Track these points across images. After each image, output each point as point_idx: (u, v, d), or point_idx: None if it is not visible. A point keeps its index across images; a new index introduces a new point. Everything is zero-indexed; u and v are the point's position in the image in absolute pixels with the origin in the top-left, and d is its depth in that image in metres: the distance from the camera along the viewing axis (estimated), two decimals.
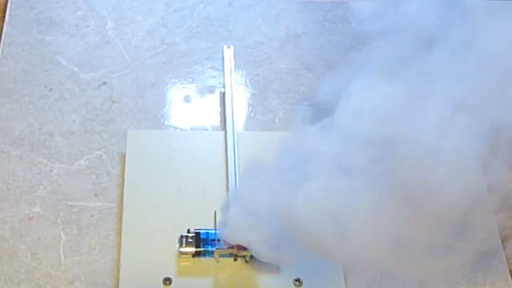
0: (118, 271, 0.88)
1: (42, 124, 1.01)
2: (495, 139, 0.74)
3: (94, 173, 0.97)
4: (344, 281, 0.89)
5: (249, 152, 0.95)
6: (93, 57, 1.08)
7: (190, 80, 1.08)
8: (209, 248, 0.88)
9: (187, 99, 1.06)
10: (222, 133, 1.00)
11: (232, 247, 0.86)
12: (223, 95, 1.04)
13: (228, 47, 1.05)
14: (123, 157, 0.97)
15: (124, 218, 0.91)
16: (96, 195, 0.95)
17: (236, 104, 1.01)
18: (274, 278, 0.88)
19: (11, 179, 0.95)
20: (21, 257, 0.89)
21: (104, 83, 1.06)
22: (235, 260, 0.88)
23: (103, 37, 1.11)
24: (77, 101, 1.04)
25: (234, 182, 0.93)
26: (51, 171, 0.97)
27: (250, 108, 1.05)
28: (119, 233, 0.91)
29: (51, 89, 1.04)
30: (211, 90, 1.07)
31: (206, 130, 1.02)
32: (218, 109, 1.04)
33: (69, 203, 0.94)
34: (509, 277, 0.92)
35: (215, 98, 1.06)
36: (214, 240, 0.87)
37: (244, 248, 0.87)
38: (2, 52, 1.07)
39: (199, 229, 0.88)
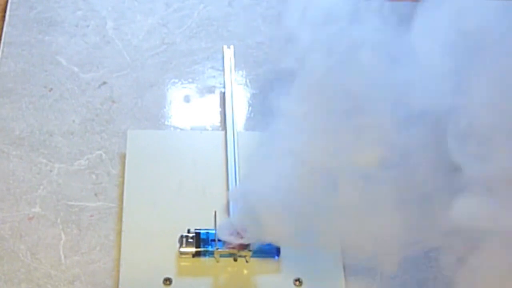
0: (118, 271, 0.88)
1: (42, 124, 1.01)
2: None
3: (94, 173, 0.97)
4: (344, 281, 0.89)
5: (249, 152, 0.95)
6: (93, 57, 1.08)
7: (190, 80, 1.08)
8: (209, 248, 0.88)
9: (187, 99, 1.06)
10: (222, 133, 1.00)
11: (233, 247, 0.87)
12: (223, 95, 1.04)
13: (228, 47, 1.05)
14: (123, 157, 0.97)
15: (124, 218, 0.91)
16: (96, 195, 0.95)
17: (236, 104, 1.01)
18: (274, 278, 0.88)
19: (11, 179, 0.95)
20: (21, 257, 0.89)
21: (104, 83, 1.06)
22: (235, 260, 0.88)
23: (103, 37, 1.11)
24: (77, 101, 1.04)
25: (234, 182, 0.93)
26: (51, 171, 0.97)
27: (250, 108, 1.05)
28: (119, 233, 0.91)
29: (51, 89, 1.05)
30: (211, 90, 1.07)
31: (206, 130, 1.02)
32: (218, 109, 1.04)
33: (69, 203, 0.94)
34: None
35: (215, 98, 1.06)
36: (214, 240, 0.87)
37: (244, 248, 0.87)
38: (2, 52, 1.07)
39: (199, 229, 0.88)
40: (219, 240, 0.87)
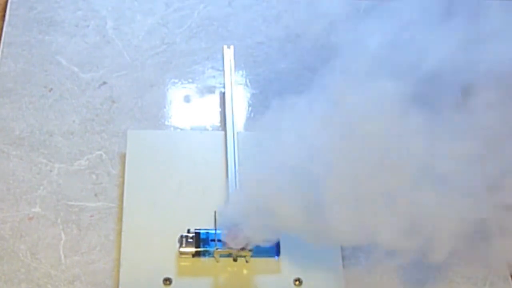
0: (118, 271, 0.88)
1: (42, 124, 1.01)
2: None
3: (94, 173, 0.97)
4: (344, 281, 0.89)
5: (249, 152, 0.95)
6: (93, 57, 1.08)
7: (190, 80, 1.08)
8: (209, 248, 0.88)
9: (187, 99, 1.06)
10: (222, 133, 1.00)
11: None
12: (223, 95, 1.04)
13: (228, 47, 1.05)
14: (123, 157, 0.97)
15: (124, 218, 0.91)
16: (96, 195, 0.95)
17: (236, 104, 1.01)
18: (274, 278, 0.88)
19: (11, 179, 0.96)
20: (21, 257, 0.89)
21: (104, 83, 1.06)
22: (235, 260, 0.88)
23: (103, 37, 1.11)
24: (77, 101, 1.04)
25: (234, 182, 0.93)
26: (51, 171, 0.97)
27: (250, 108, 1.05)
28: (119, 233, 0.91)
29: (51, 89, 1.05)
30: (211, 90, 1.07)
31: (206, 130, 1.02)
32: (218, 109, 1.04)
33: (69, 203, 0.94)
34: (509, 277, 0.92)
35: (215, 98, 1.06)
36: (214, 240, 0.87)
37: (244, 248, 0.87)
38: (2, 52, 1.07)
39: (199, 229, 0.88)
40: (219, 240, 0.87)
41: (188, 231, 0.89)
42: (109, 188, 0.96)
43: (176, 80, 1.07)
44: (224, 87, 1.03)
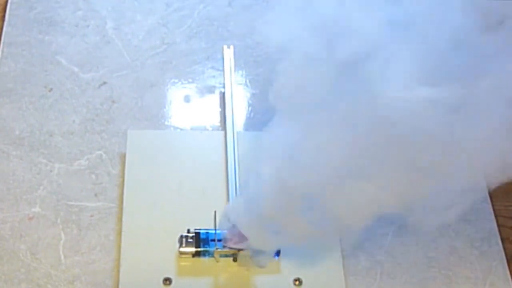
0: (118, 271, 0.88)
1: (42, 124, 1.01)
2: None
3: (94, 173, 0.97)
4: (344, 281, 0.89)
5: (249, 152, 0.95)
6: (93, 57, 1.08)
7: (190, 80, 1.08)
8: (209, 248, 0.88)
9: (187, 99, 1.06)
10: (222, 133, 1.00)
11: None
12: (223, 95, 1.04)
13: (228, 47, 1.05)
14: (123, 157, 0.97)
15: (124, 218, 0.91)
16: (96, 195, 0.95)
17: (236, 104, 1.01)
18: (274, 278, 0.88)
19: (11, 179, 0.96)
20: (21, 257, 0.89)
21: (104, 83, 1.06)
22: (235, 260, 0.88)
23: (103, 37, 1.11)
24: (77, 101, 1.04)
25: (234, 182, 0.93)
26: (51, 171, 0.97)
27: (250, 108, 1.05)
28: (119, 233, 0.91)
29: (51, 89, 1.05)
30: (211, 90, 1.07)
31: (206, 130, 1.02)
32: (218, 109, 1.04)
33: (69, 203, 0.94)
34: (509, 277, 0.92)
35: (215, 98, 1.06)
36: (214, 240, 0.87)
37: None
38: (2, 52, 1.07)
39: (199, 229, 0.88)
40: (219, 240, 0.87)
41: (188, 231, 0.89)
42: (109, 188, 0.96)
43: (176, 80, 1.07)
44: (224, 87, 1.03)
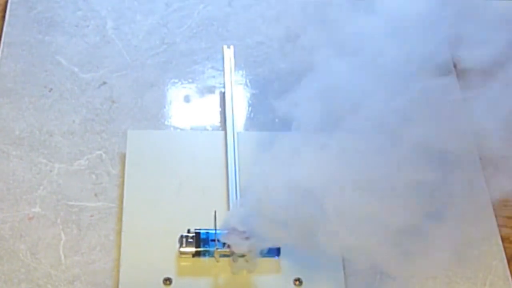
0: (118, 271, 0.88)
1: (42, 124, 1.01)
2: None
3: (94, 173, 0.97)
4: (344, 281, 0.89)
5: (249, 152, 0.96)
6: (93, 57, 1.08)
7: (190, 80, 1.08)
8: (209, 248, 0.88)
9: (187, 99, 1.06)
10: (222, 133, 1.00)
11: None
12: (223, 95, 1.04)
13: (228, 47, 1.05)
14: (123, 157, 0.97)
15: (124, 218, 0.91)
16: (96, 195, 0.95)
17: (236, 104, 1.01)
18: (274, 278, 0.88)
19: (11, 179, 0.95)
20: (21, 257, 0.89)
21: (104, 83, 1.06)
22: (235, 261, 0.88)
23: (103, 37, 1.11)
24: (77, 101, 1.04)
25: (234, 182, 0.93)
26: (51, 171, 0.97)
27: (250, 108, 1.05)
28: (119, 233, 0.91)
29: (51, 89, 1.05)
30: (211, 90, 1.07)
31: (206, 130, 1.02)
32: (218, 109, 1.04)
33: (69, 203, 0.94)
34: (509, 277, 0.92)
35: (215, 98, 1.06)
36: (214, 240, 0.87)
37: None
38: (2, 52, 1.07)
39: (199, 229, 0.88)
40: (219, 240, 0.87)
41: (188, 231, 0.89)
42: (109, 188, 0.95)
43: (176, 80, 1.07)
44: (224, 87, 1.03)
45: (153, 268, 0.88)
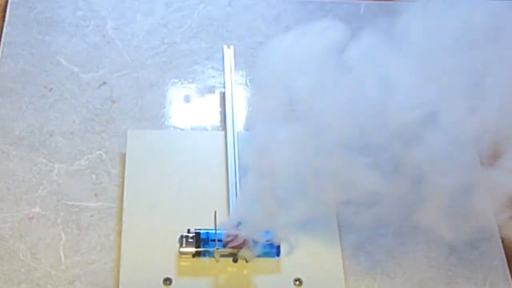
0: (118, 271, 0.88)
1: (42, 124, 1.01)
2: None
3: (94, 173, 0.97)
4: (344, 281, 0.89)
5: (249, 152, 0.95)
6: (93, 57, 1.08)
7: (190, 80, 1.08)
8: (209, 248, 0.88)
9: (187, 99, 1.06)
10: (222, 133, 1.00)
11: (232, 246, 0.87)
12: (223, 95, 1.04)
13: (228, 47, 1.05)
14: (123, 157, 0.97)
15: (124, 218, 0.91)
16: (96, 195, 0.95)
17: (236, 104, 1.01)
18: (274, 278, 0.88)
19: (11, 179, 0.95)
20: (21, 257, 0.89)
21: (104, 83, 1.06)
22: (235, 261, 0.88)
23: (103, 37, 1.11)
24: (77, 101, 1.04)
25: (234, 182, 0.93)
26: (51, 171, 0.97)
27: (250, 108, 1.05)
28: (119, 233, 0.91)
29: (51, 89, 1.05)
30: (211, 90, 1.07)
31: (206, 130, 1.02)
32: (218, 109, 1.04)
33: (69, 203, 0.94)
34: (509, 277, 0.92)
35: (215, 98, 1.06)
36: (214, 240, 0.87)
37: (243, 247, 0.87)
38: (2, 52, 1.07)
39: (199, 229, 0.88)
40: (219, 240, 0.87)
41: (188, 231, 0.89)
42: (109, 188, 0.96)
43: (176, 80, 1.07)
44: (224, 87, 1.03)
45: (153, 268, 0.88)
